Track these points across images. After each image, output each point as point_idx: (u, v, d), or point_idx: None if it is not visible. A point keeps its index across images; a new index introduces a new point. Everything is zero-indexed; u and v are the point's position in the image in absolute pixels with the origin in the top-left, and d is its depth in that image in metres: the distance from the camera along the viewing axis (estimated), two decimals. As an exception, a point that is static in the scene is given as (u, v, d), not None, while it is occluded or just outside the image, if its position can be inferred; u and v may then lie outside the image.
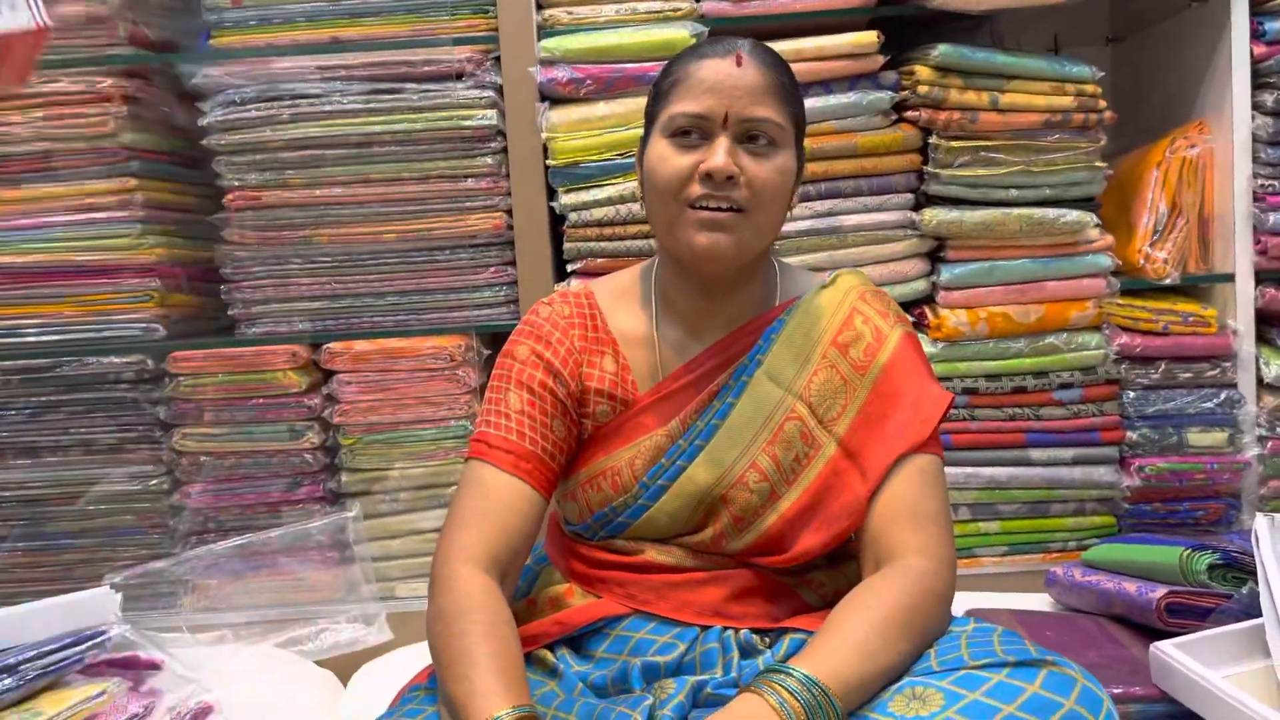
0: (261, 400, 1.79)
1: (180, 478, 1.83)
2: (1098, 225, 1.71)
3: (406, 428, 1.80)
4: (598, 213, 1.70)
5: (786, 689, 0.82)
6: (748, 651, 1.02)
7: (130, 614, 1.46)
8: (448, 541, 1.00)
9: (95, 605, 1.38)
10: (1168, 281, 1.73)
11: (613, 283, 1.17)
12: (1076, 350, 1.71)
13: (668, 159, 1.03)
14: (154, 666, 1.43)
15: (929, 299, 1.76)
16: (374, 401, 1.78)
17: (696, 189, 1.01)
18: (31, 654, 1.22)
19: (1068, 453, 1.72)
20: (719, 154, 1.00)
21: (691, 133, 1.03)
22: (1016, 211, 1.66)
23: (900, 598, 0.91)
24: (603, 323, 1.12)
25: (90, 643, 1.30)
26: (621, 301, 1.14)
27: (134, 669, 1.40)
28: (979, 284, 1.70)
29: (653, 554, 1.08)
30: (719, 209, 1.01)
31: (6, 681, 1.18)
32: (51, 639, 1.27)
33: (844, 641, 0.87)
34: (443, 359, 1.76)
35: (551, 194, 1.75)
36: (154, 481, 1.83)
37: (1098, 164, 1.69)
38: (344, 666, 1.62)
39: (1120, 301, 1.72)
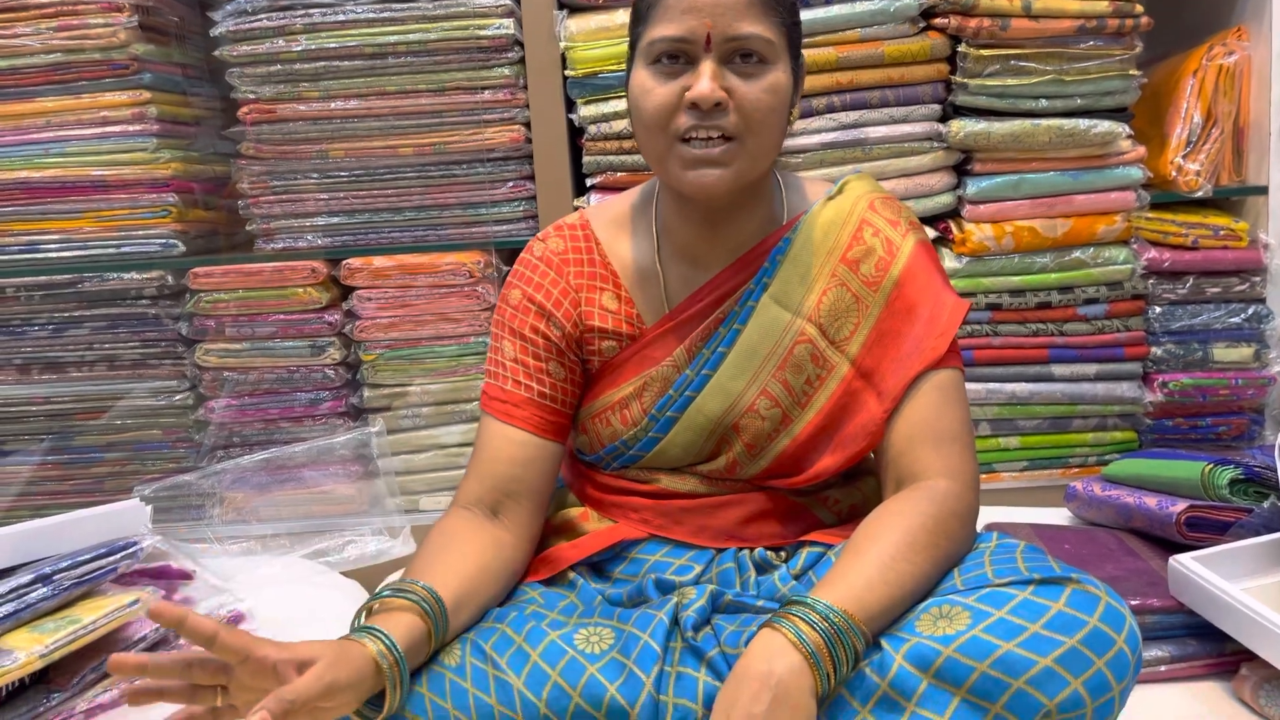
0: (282, 316, 1.80)
1: (204, 393, 1.85)
2: (1129, 136, 1.66)
3: (427, 344, 1.80)
4: (617, 125, 1.67)
5: (805, 620, 0.82)
6: (763, 568, 1.02)
7: (160, 526, 1.49)
8: (457, 491, 1.06)
9: (126, 517, 1.41)
10: (1199, 194, 1.69)
11: (610, 211, 1.12)
12: (1103, 265, 1.68)
13: (650, 90, 0.96)
14: (185, 576, 1.46)
15: (954, 213, 1.73)
16: (394, 318, 1.78)
17: (684, 120, 0.95)
18: (66, 564, 1.25)
19: (1090, 368, 1.71)
20: (704, 81, 0.93)
21: (676, 58, 0.96)
22: (1046, 122, 1.62)
23: (923, 520, 0.91)
24: (601, 256, 1.09)
25: (123, 553, 1.33)
26: (621, 231, 1.10)
27: (166, 579, 1.43)
28: (1006, 197, 1.67)
29: (667, 482, 1.08)
30: (709, 139, 0.95)
31: (42, 590, 1.20)
32: (84, 550, 1.29)
33: (866, 566, 0.86)
34: (461, 275, 1.76)
35: (570, 106, 1.71)
36: (178, 397, 1.85)
37: (1132, 72, 1.64)
38: (370, 577, 1.65)
39: (1149, 215, 1.69)
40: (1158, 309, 1.70)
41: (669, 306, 1.07)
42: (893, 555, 0.87)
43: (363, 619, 0.91)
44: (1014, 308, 1.70)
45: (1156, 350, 1.70)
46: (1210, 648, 1.16)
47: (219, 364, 1.82)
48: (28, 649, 1.13)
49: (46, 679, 1.20)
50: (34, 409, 1.87)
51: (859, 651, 0.83)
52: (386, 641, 0.85)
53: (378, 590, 0.93)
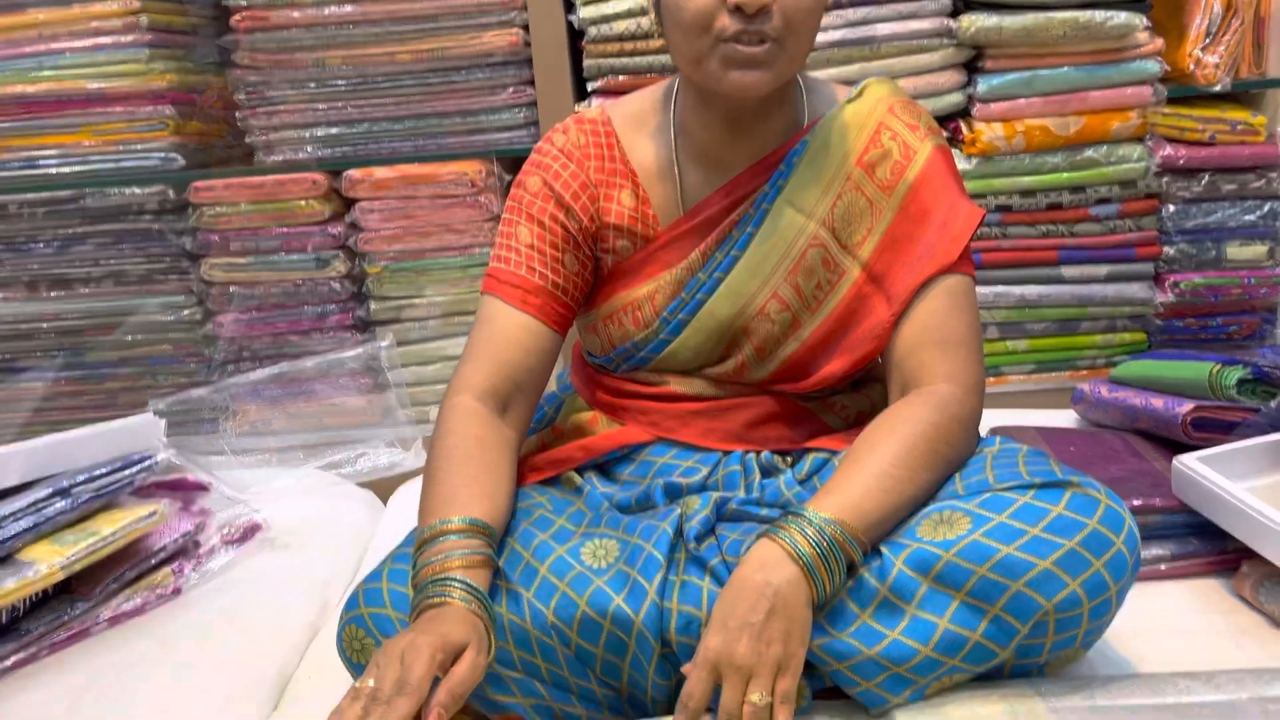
0: (285, 230, 1.79)
1: (212, 308, 1.85)
2: (1147, 28, 1.61)
3: (431, 255, 1.79)
4: (619, 26, 1.63)
5: (801, 532, 0.83)
6: (769, 471, 1.03)
7: (175, 439, 1.51)
8: (455, 374, 1.03)
9: (141, 431, 1.42)
10: (1217, 88, 1.65)
11: (631, 107, 1.10)
12: (1117, 163, 1.65)
13: None
14: (202, 488, 1.48)
15: (964, 113, 1.69)
16: (397, 229, 1.77)
17: (726, 23, 0.91)
18: (83, 478, 1.27)
19: (1101, 269, 1.69)
20: None
21: None
22: (1060, 15, 1.57)
23: (924, 427, 0.91)
24: (621, 152, 1.07)
25: (139, 466, 1.35)
26: (641, 129, 1.08)
27: (183, 490, 1.46)
28: (1017, 95, 1.63)
29: (675, 385, 1.08)
30: (752, 43, 0.92)
31: (60, 504, 1.22)
32: (101, 463, 1.31)
33: (864, 475, 0.87)
34: (464, 185, 1.74)
35: (569, 7, 1.67)
36: (186, 312, 1.86)
37: (1151, -41, 1.59)
38: (384, 488, 1.67)
39: (1166, 111, 1.65)
40: (1171, 207, 1.67)
41: (684, 208, 1.05)
42: (892, 463, 0.88)
43: (450, 567, 0.87)
44: (1024, 209, 1.68)
45: (1169, 250, 1.68)
46: (1211, 546, 1.17)
47: (225, 278, 1.82)
48: (49, 561, 1.16)
49: (69, 590, 1.23)
50: (44, 326, 1.89)
51: (856, 560, 0.84)
52: (492, 613, 0.87)
53: (442, 525, 0.89)
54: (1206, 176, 1.66)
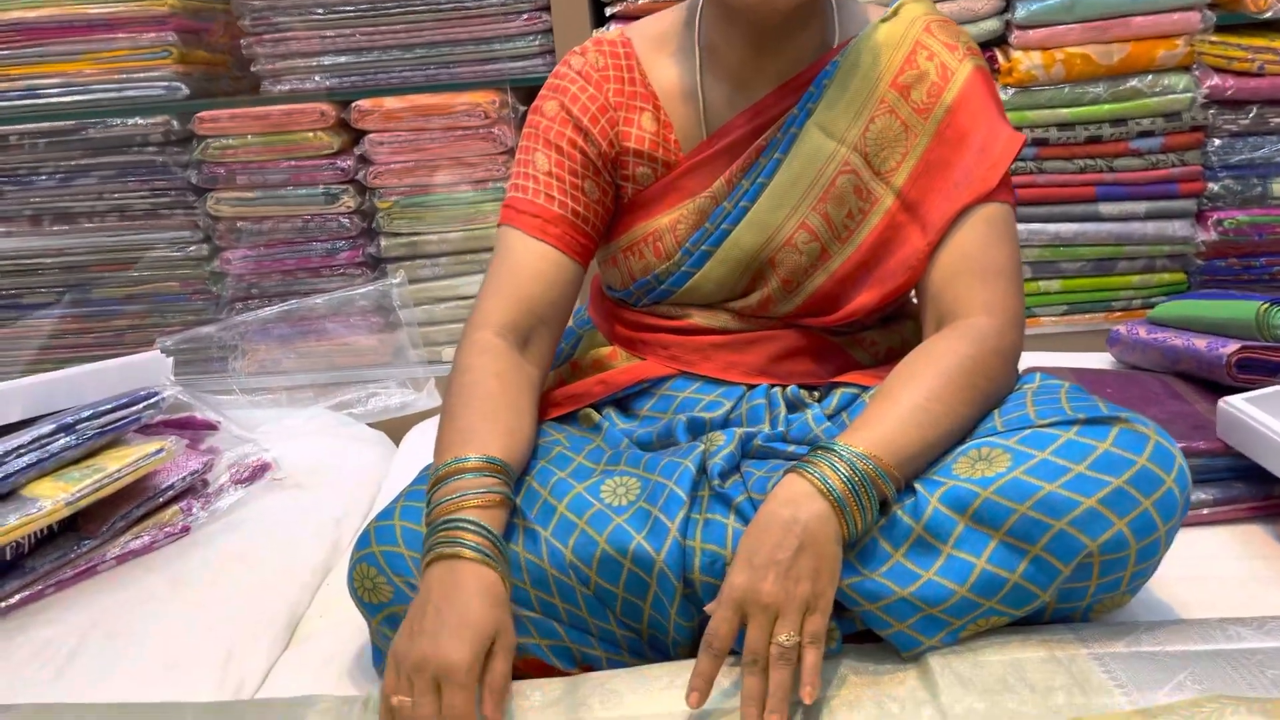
0: (292, 163, 1.75)
1: (219, 244, 1.82)
2: (1196, -50, 1.54)
3: (443, 190, 1.74)
4: (638, -53, 1.56)
5: (831, 467, 0.79)
6: (795, 407, 1.00)
7: (182, 378, 1.48)
8: (474, 309, 0.99)
9: (148, 368, 1.39)
10: (1268, 15, 1.57)
11: (652, 28, 1.06)
12: (1161, 94, 1.58)
13: None
14: (210, 427, 1.46)
15: (1000, 40, 1.62)
16: (408, 163, 1.73)
17: None
18: (88, 414, 1.24)
19: (1140, 206, 1.63)
20: None
21: None
22: (1105, -64, 1.50)
23: (961, 360, 0.87)
24: (641, 75, 1.03)
25: (145, 403, 1.32)
26: (662, 51, 1.04)
27: (191, 429, 1.43)
28: (1058, 21, 1.56)
29: (698, 318, 1.04)
30: None
31: (64, 440, 1.20)
32: (106, 400, 1.28)
33: (898, 409, 0.83)
34: (476, 116, 1.68)
35: (587, -73, 1.60)
36: (192, 248, 1.83)
37: (1204, -126, 1.51)
38: (395, 429, 1.64)
39: (1213, 39, 1.58)
40: (1217, 141, 1.61)
41: (708, 133, 1.01)
42: (927, 397, 0.84)
43: (465, 507, 0.83)
44: (1062, 142, 1.61)
45: (1213, 186, 1.62)
46: (1255, 490, 1.13)
47: (232, 214, 1.78)
48: (53, 497, 1.13)
49: (76, 527, 1.21)
50: (48, 261, 1.86)
51: (888, 497, 0.80)
52: (507, 556, 0.84)
53: (457, 462, 0.85)
54: (1254, 109, 1.59)
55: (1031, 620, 0.84)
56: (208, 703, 0.90)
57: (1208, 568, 1.03)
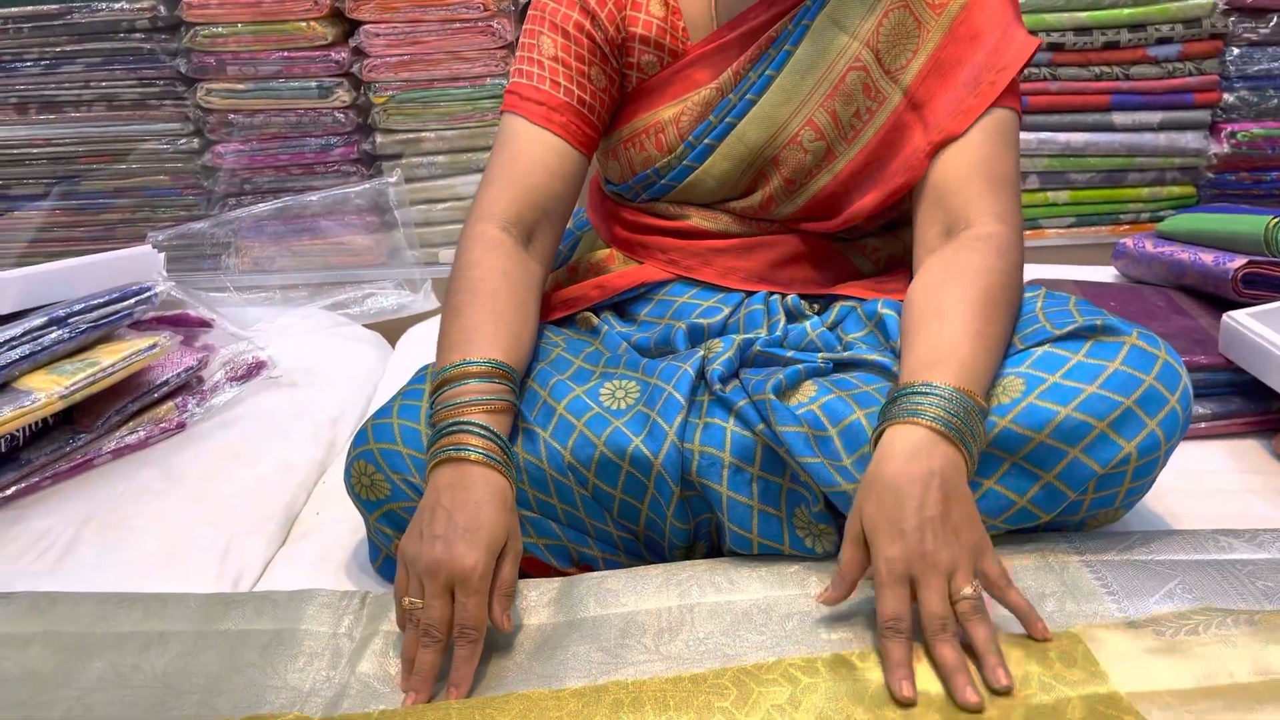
0: (285, 54, 1.69)
1: (210, 137, 1.77)
2: None
3: (440, 86, 1.70)
4: None
5: (938, 407, 0.74)
6: (794, 316, 0.98)
7: (175, 274, 1.46)
8: (475, 200, 0.96)
9: (140, 263, 1.37)
10: (1298, -82, 1.52)
11: None
12: (1181, -1, 1.54)
13: None
14: (204, 324, 1.45)
15: (1019, -61, 1.56)
16: (404, 56, 1.68)
17: None
18: (80, 308, 1.22)
19: (1154, 116, 1.59)
20: None
21: None
22: None
23: (997, 277, 0.84)
24: None
25: (137, 298, 1.30)
26: None
27: (185, 326, 1.42)
28: (1080, -80, 1.50)
29: (697, 219, 1.02)
30: None
31: (57, 333, 1.18)
32: (99, 294, 1.27)
33: (960, 335, 0.79)
34: (474, 9, 1.63)
35: None
36: (183, 140, 1.78)
37: None
38: (391, 330, 1.63)
39: (1239, -58, 1.53)
40: (1236, 50, 1.57)
41: (718, 22, 0.97)
42: (982, 320, 0.81)
43: (471, 410, 0.82)
44: (1078, 48, 1.57)
45: (1228, 97, 1.59)
46: (1253, 405, 1.13)
47: (223, 105, 1.74)
48: (47, 390, 1.12)
49: (71, 421, 1.21)
50: (36, 151, 1.82)
51: (982, 428, 0.77)
52: (513, 460, 0.83)
53: (463, 365, 0.84)
54: (1276, 18, 1.55)
55: (1026, 530, 0.85)
56: (208, 594, 0.91)
57: (1203, 481, 1.04)
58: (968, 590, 0.69)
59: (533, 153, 0.95)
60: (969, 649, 0.68)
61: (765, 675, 0.68)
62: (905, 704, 0.65)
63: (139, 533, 1.06)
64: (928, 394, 0.75)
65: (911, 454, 0.72)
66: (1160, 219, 1.51)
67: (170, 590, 0.93)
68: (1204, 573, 0.79)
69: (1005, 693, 0.65)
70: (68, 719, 0.73)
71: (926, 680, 0.67)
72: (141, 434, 1.23)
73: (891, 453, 0.73)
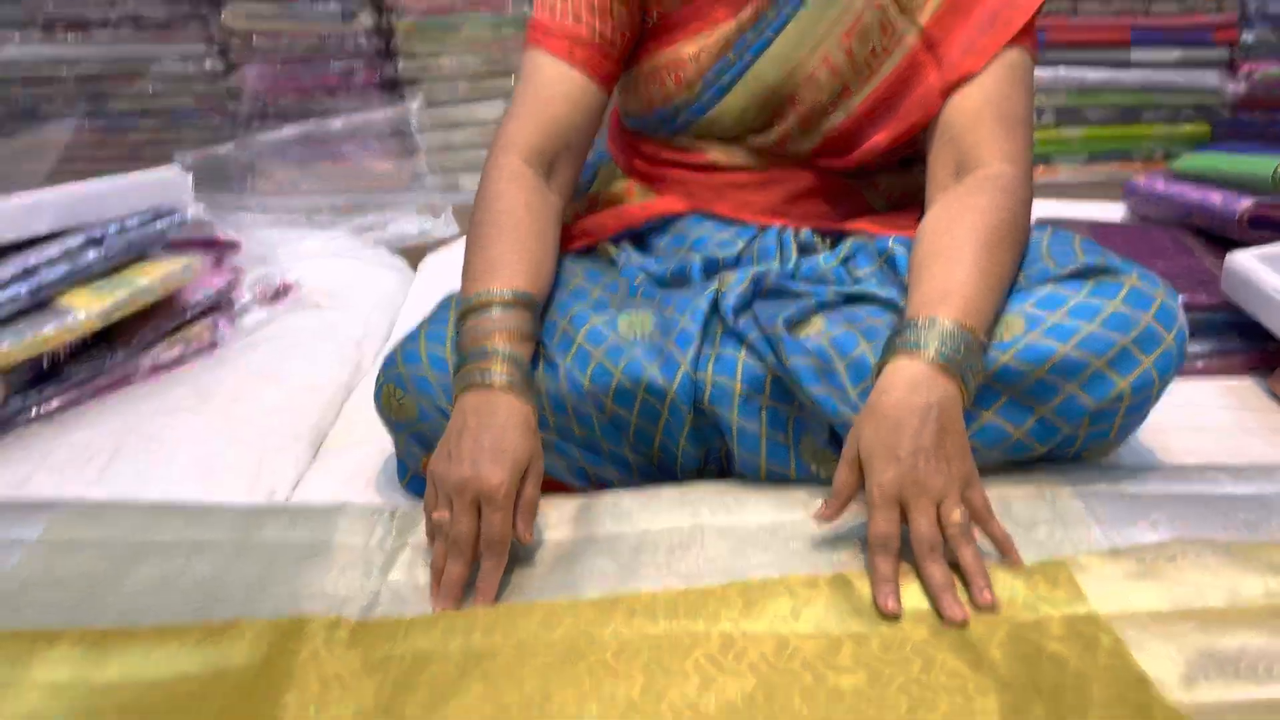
0: (309, -25, 1.69)
1: (234, 59, 1.78)
2: None
3: (463, 12, 1.70)
4: None
5: (940, 343, 0.77)
6: (806, 250, 1.01)
7: (201, 196, 1.49)
8: (499, 132, 0.98)
9: (168, 184, 1.40)
10: None
11: None
12: (1207, -66, 1.52)
13: None
14: (232, 246, 1.48)
15: None
16: (428, -20, 1.67)
17: None
18: (114, 228, 1.26)
19: (1173, 53, 1.59)
20: None
21: None
22: None
23: (1003, 215, 0.86)
24: None
25: (169, 219, 1.34)
26: None
27: (214, 248, 1.45)
28: None
29: (714, 154, 1.04)
30: None
31: (93, 253, 1.22)
32: (132, 214, 1.30)
33: (965, 272, 0.82)
34: (498, -67, 1.62)
35: None
36: (208, 62, 1.79)
37: None
38: (412, 255, 1.66)
39: (1270, -125, 1.50)
40: (1258, -13, 1.55)
41: None
42: (987, 258, 0.83)
43: (496, 339, 0.86)
44: (1099, -17, 1.56)
45: (1248, 36, 1.58)
46: (1251, 345, 1.16)
47: (246, 27, 1.74)
48: (87, 308, 1.17)
49: (109, 339, 1.25)
50: (63, 72, 1.82)
51: (980, 366, 0.80)
52: (535, 389, 0.86)
53: (487, 294, 0.87)
54: (1302, -45, 1.53)
55: (1023, 462, 0.88)
56: (245, 506, 0.95)
57: (1198, 418, 1.07)
58: (956, 515, 0.73)
59: (555, 87, 0.97)
60: (957, 571, 0.73)
61: (770, 590, 0.73)
62: (890, 616, 0.69)
63: (176, 448, 1.11)
64: (931, 329, 0.78)
65: (911, 386, 0.76)
66: (1171, 157, 1.53)
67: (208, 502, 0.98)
68: (1189, 505, 0.82)
69: (990, 610, 0.70)
70: (121, 619, 0.77)
71: (916, 598, 0.71)
72: (176, 353, 1.28)
73: (892, 384, 0.77)
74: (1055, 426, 0.84)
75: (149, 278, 1.24)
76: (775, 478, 0.90)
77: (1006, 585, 0.72)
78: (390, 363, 0.93)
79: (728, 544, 0.82)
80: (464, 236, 1.66)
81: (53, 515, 0.92)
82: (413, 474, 0.98)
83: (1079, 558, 0.74)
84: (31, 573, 0.84)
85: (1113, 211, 1.52)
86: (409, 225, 1.73)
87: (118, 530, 0.90)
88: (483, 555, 0.79)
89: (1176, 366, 0.83)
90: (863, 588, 0.73)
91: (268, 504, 1.00)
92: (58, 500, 0.96)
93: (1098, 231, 1.37)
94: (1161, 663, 0.64)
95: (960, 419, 0.77)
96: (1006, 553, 0.75)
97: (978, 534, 0.75)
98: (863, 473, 0.76)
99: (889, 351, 0.80)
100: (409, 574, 0.83)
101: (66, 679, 0.70)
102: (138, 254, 1.29)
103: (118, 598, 0.81)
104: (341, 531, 0.88)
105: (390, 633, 0.72)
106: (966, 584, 0.72)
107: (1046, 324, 0.82)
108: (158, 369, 1.27)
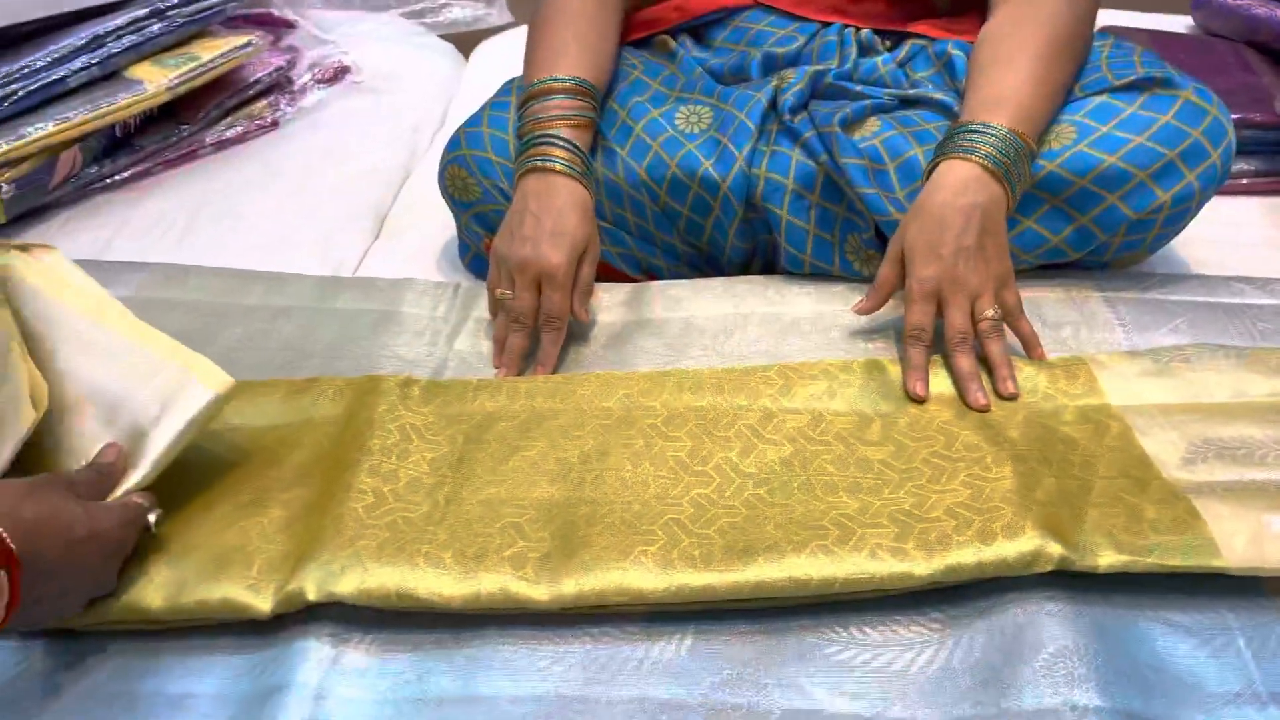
0: None
1: None
2: None
3: None
4: None
5: (990, 146, 0.79)
6: (866, 50, 1.01)
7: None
8: None
9: (223, -41, 1.39)
10: None
11: None
12: None
13: None
14: (288, 25, 1.49)
15: None
16: None
17: None
18: (175, 1, 1.27)
19: None
20: None
21: None
22: None
23: (1066, 24, 0.86)
24: None
25: (228, -6, 1.34)
26: None
27: (270, 26, 1.46)
28: None
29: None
30: None
31: (158, 25, 1.24)
32: (190, -12, 1.31)
33: (1022, 77, 0.82)
34: None
35: None
36: None
37: None
38: (465, 42, 1.66)
39: None
40: None
41: None
42: (1045, 67, 0.84)
43: (556, 124, 0.88)
44: None
45: None
46: (1300, 167, 1.16)
47: None
48: (155, 80, 1.20)
49: (174, 114, 1.29)
50: None
51: (1029, 171, 0.82)
52: (594, 174, 0.89)
53: (550, 81, 0.89)
54: None
55: (1056, 267, 0.92)
56: (319, 276, 1.00)
57: (1234, 234, 1.08)
58: (989, 312, 0.77)
59: None
60: (985, 364, 0.79)
61: (807, 371, 0.79)
62: (918, 400, 0.75)
63: (247, 220, 1.16)
64: (983, 133, 0.80)
65: (959, 187, 0.78)
66: (1250, -31, 1.46)
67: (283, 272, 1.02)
68: (1212, 313, 0.86)
69: (1011, 399, 0.76)
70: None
71: (944, 385, 0.77)
72: (239, 129, 1.32)
73: (941, 184, 0.79)
74: (1093, 234, 0.86)
75: (212, 53, 1.26)
76: (817, 273, 0.94)
77: (1028, 377, 0.77)
78: (454, 145, 0.96)
79: (769, 330, 0.88)
80: (517, 26, 1.67)
81: (143, 276, 0.98)
82: (474, 254, 1.02)
83: (1099, 357, 0.79)
84: (130, 327, 0.91)
85: (1177, 25, 1.48)
86: (462, 11, 1.71)
87: (203, 294, 0.96)
88: (542, 331, 0.85)
89: (1219, 183, 0.85)
90: (895, 373, 0.79)
91: (339, 276, 1.05)
92: (144, 263, 1.02)
93: (1160, 42, 1.34)
94: (1164, 446, 0.70)
95: (1003, 222, 0.80)
96: (1033, 349, 0.80)
97: (1009, 334, 0.80)
98: (904, 269, 0.80)
99: (940, 153, 0.82)
100: (473, 344, 0.89)
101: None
102: (199, 29, 1.31)
103: (213, 352, 0.87)
104: (409, 303, 0.94)
105: (460, 392, 0.79)
106: (991, 375, 0.77)
107: (1098, 134, 0.83)
108: (223, 145, 1.30)
